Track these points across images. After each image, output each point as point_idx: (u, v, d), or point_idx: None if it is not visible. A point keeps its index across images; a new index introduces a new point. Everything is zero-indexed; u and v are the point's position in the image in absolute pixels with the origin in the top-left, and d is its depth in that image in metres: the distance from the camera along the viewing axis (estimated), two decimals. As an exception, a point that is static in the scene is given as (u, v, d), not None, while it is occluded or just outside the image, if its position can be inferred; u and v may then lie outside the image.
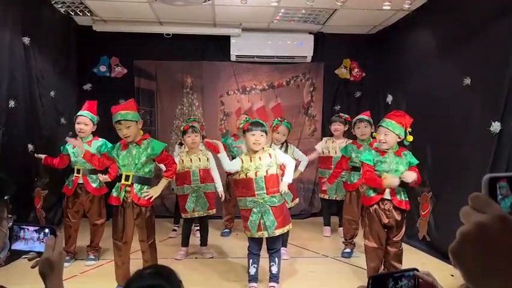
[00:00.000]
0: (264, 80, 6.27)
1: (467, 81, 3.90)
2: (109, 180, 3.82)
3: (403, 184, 3.36)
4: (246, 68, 6.23)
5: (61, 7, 5.03)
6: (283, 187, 3.38)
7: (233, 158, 4.00)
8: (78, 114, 4.06)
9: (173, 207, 5.32)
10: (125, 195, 3.30)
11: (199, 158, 4.27)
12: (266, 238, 3.44)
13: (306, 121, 6.31)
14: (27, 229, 1.33)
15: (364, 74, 6.36)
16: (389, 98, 5.61)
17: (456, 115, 4.06)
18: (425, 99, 4.60)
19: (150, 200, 3.34)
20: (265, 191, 3.31)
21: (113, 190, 3.38)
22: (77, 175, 4.01)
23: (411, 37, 5.09)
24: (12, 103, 4.01)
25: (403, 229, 3.44)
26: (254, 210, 3.33)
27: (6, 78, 3.95)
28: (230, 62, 6.14)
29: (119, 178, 3.39)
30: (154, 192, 3.36)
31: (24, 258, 1.33)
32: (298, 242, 4.83)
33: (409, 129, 3.35)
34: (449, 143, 4.16)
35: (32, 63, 4.46)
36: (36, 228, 1.33)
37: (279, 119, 4.35)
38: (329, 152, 5.09)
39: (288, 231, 4.16)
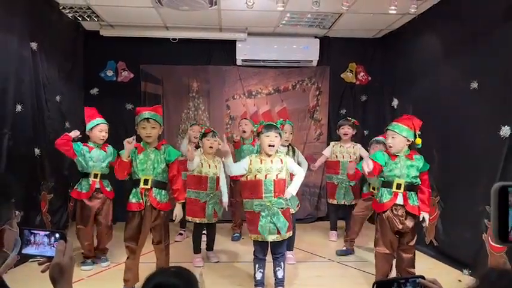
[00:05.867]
0: (270, 84, 6.28)
1: (475, 85, 3.88)
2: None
3: (413, 188, 3.33)
4: (251, 72, 6.24)
5: (69, 12, 5.07)
6: (287, 195, 3.37)
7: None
8: (100, 122, 4.11)
9: (179, 211, 5.31)
10: (145, 198, 3.35)
11: (216, 165, 4.22)
12: (270, 243, 3.42)
13: (311, 125, 6.31)
14: (38, 234, 1.34)
15: (370, 78, 6.35)
16: (395, 102, 5.60)
17: (464, 119, 4.04)
18: (432, 103, 4.59)
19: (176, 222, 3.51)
20: (272, 194, 3.30)
21: (131, 196, 3.39)
22: (95, 179, 4.05)
23: (417, 41, 5.08)
24: (19, 107, 4.04)
25: (415, 234, 3.41)
26: (262, 214, 3.29)
27: (13, 83, 3.97)
28: (236, 66, 6.16)
29: (136, 183, 3.39)
30: (180, 214, 3.54)
31: (32, 262, 1.34)
32: (304, 246, 4.82)
33: (418, 132, 3.34)
34: (457, 148, 4.14)
35: (39, 68, 4.49)
36: (47, 232, 1.34)
37: (281, 119, 4.31)
38: (336, 156, 5.09)
39: (293, 236, 4.19)
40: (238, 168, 3.39)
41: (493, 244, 3.54)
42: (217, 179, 4.22)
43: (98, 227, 4.15)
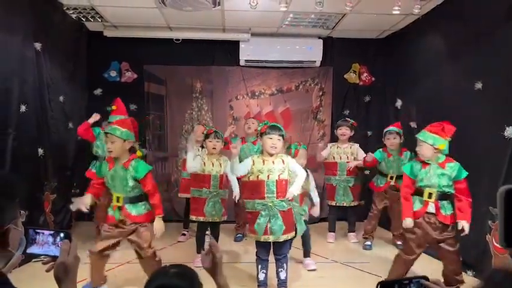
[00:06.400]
0: (273, 84, 6.28)
1: (479, 85, 3.87)
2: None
3: (446, 197, 3.27)
4: (255, 73, 6.24)
5: (73, 13, 5.09)
6: (289, 195, 3.37)
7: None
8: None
9: (182, 211, 5.32)
10: (119, 215, 3.27)
11: (220, 164, 4.20)
12: (273, 243, 3.43)
13: (315, 126, 6.30)
14: (43, 233, 1.34)
15: (373, 79, 6.34)
16: (399, 103, 5.59)
17: (468, 120, 4.02)
18: (435, 103, 4.57)
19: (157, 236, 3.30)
20: (275, 195, 3.31)
21: (109, 208, 3.35)
22: None
23: (421, 41, 5.07)
24: (23, 108, 4.06)
25: (456, 241, 3.28)
26: (262, 213, 3.31)
27: (17, 84, 3.99)
28: (239, 66, 6.16)
29: (111, 197, 3.35)
30: (160, 230, 3.28)
31: (37, 261, 1.35)
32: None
33: (448, 139, 3.26)
34: (460, 149, 4.11)
35: (43, 68, 4.50)
36: (52, 232, 1.35)
37: (296, 143, 4.26)
38: (334, 157, 5.10)
39: (309, 241, 4.19)
40: (242, 169, 3.40)
41: (497, 245, 3.52)
42: (221, 177, 4.19)
43: None
